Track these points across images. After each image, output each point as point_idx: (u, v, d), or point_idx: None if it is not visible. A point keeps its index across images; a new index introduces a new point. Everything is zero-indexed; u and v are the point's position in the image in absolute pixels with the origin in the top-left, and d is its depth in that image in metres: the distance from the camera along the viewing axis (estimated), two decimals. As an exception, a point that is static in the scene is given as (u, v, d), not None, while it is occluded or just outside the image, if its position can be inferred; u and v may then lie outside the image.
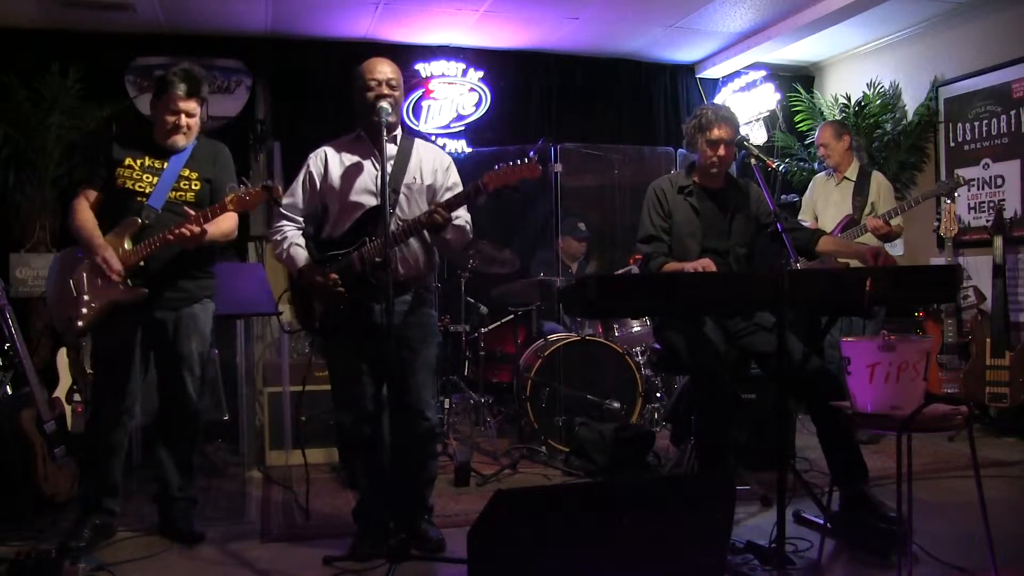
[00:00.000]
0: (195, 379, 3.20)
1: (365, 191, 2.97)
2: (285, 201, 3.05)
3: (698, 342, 3.30)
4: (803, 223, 5.03)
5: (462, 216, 3.01)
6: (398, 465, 2.98)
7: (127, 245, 3.03)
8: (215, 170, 3.22)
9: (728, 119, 3.46)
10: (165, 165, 3.12)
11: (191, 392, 3.19)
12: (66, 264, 3.13)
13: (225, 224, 3.16)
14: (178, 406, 3.21)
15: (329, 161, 3.03)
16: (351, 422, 2.97)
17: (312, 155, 3.07)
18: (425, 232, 2.96)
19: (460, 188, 3.10)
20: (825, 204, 4.93)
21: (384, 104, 2.86)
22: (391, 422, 3.01)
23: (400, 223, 2.91)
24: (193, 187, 3.15)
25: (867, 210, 4.72)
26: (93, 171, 3.16)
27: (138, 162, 3.11)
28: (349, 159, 3.01)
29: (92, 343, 3.21)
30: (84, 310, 3.02)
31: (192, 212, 3.00)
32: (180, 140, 3.14)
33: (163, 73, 3.15)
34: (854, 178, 4.84)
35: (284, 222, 3.04)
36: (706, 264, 3.21)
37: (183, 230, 2.96)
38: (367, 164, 2.99)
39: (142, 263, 3.03)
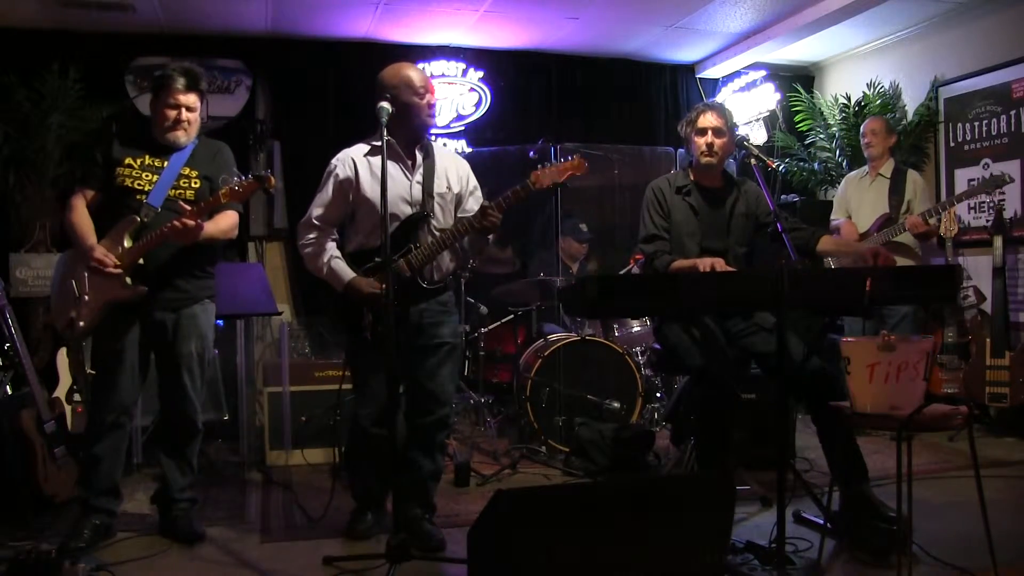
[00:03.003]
0: (195, 381, 3.19)
1: (400, 199, 2.97)
2: (315, 211, 3.04)
3: (698, 342, 3.30)
4: (834, 221, 5.07)
5: None
6: (408, 459, 3.01)
7: (126, 243, 3.02)
8: (214, 168, 3.19)
9: (716, 108, 3.49)
10: (165, 163, 3.10)
11: (191, 395, 3.18)
12: (68, 264, 3.12)
13: (224, 222, 3.15)
14: (177, 409, 3.20)
15: (359, 169, 3.01)
16: (370, 419, 2.97)
17: (338, 162, 3.04)
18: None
19: (479, 191, 3.14)
20: (859, 203, 4.97)
21: (384, 104, 2.84)
22: (410, 415, 3.05)
23: (439, 232, 2.91)
24: (193, 185, 3.13)
25: (903, 209, 4.77)
26: (90, 171, 3.14)
27: (138, 161, 3.09)
28: (379, 169, 2.97)
29: (92, 343, 3.20)
30: (86, 310, 3.01)
31: (187, 207, 2.99)
32: (181, 136, 3.12)
33: (161, 71, 3.14)
34: (888, 175, 4.86)
35: (316, 233, 3.02)
36: (718, 263, 3.19)
37: (177, 223, 2.94)
38: (397, 173, 2.98)
39: (141, 261, 3.02)
